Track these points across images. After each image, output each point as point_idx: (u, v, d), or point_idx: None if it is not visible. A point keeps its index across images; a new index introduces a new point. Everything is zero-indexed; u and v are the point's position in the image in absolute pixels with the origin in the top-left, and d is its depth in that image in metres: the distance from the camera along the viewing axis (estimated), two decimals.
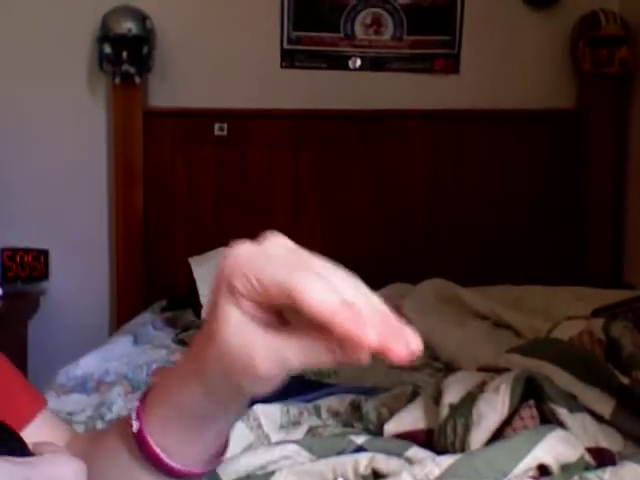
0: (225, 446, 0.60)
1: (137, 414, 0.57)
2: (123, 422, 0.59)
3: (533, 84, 2.81)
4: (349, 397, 1.32)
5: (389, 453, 1.04)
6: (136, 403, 0.58)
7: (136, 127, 2.66)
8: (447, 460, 0.96)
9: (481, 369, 1.29)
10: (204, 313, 2.10)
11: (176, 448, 0.56)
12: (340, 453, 1.05)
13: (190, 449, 0.57)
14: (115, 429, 0.61)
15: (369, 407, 1.24)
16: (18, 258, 2.68)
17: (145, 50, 2.60)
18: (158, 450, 0.56)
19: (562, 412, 1.05)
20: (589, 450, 1.00)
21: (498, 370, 1.23)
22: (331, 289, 0.43)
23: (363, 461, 1.01)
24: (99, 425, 1.44)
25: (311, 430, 1.20)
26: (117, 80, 2.61)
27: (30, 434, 0.63)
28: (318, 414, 1.28)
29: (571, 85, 2.82)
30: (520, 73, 2.81)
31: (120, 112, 2.67)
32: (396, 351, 0.42)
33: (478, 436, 1.05)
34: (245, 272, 0.45)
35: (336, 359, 0.44)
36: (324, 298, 0.42)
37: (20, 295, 2.66)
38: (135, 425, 0.57)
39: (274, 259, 0.45)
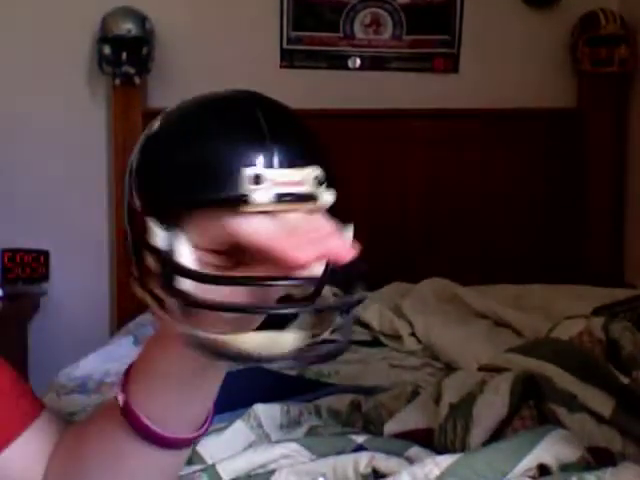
0: (209, 417, 0.62)
1: (122, 387, 0.59)
2: (111, 400, 0.61)
3: (532, 83, 2.81)
4: (349, 397, 1.32)
5: (389, 452, 1.04)
6: (121, 377, 0.60)
7: (136, 128, 2.66)
8: (447, 460, 0.97)
9: (481, 369, 1.29)
10: None
11: (161, 415, 0.58)
12: (340, 452, 1.06)
13: (175, 415, 0.58)
14: (104, 409, 0.63)
15: (369, 407, 1.25)
16: (19, 259, 2.69)
17: (145, 51, 2.60)
18: (144, 418, 0.58)
19: (562, 412, 1.05)
20: (589, 450, 1.00)
21: (498, 370, 1.23)
22: (264, 219, 0.48)
23: (363, 460, 1.01)
24: None
25: (311, 430, 1.20)
26: (117, 81, 2.61)
27: (17, 449, 0.64)
28: (318, 414, 1.28)
29: (570, 84, 2.82)
30: (519, 72, 2.81)
31: (120, 113, 2.67)
32: (333, 254, 0.48)
33: (478, 436, 1.05)
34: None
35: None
36: (257, 226, 0.47)
37: (20, 296, 2.66)
38: (121, 398, 0.59)
39: None
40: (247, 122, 0.51)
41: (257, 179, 0.47)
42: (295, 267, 0.47)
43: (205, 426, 0.62)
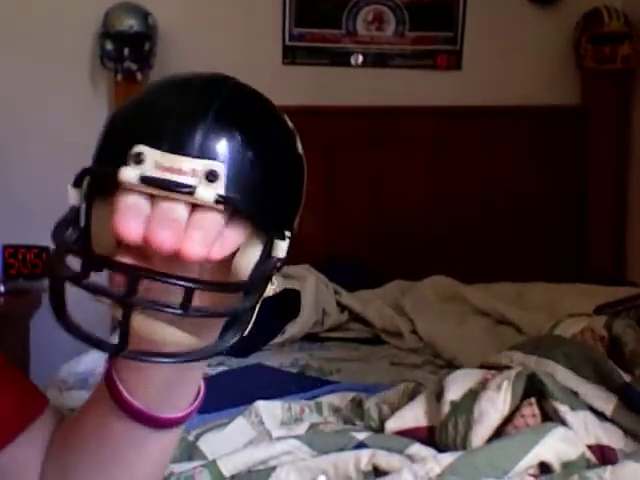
0: (198, 397, 0.61)
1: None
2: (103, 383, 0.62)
3: (536, 81, 2.80)
4: (350, 394, 1.32)
5: (390, 450, 1.04)
6: None
7: None
8: (448, 458, 0.96)
9: (483, 366, 1.29)
10: None
11: (144, 390, 0.58)
12: (341, 449, 1.05)
13: (160, 392, 0.58)
14: (95, 387, 0.63)
15: (370, 404, 1.24)
16: (20, 255, 2.69)
17: (147, 47, 2.59)
18: (121, 387, 0.58)
19: (564, 409, 1.04)
20: (591, 447, 1.00)
21: (499, 367, 1.22)
22: (139, 198, 0.46)
23: (364, 457, 1.01)
24: None
25: (312, 427, 1.20)
26: (119, 77, 2.60)
27: (14, 451, 0.64)
28: (319, 411, 1.28)
29: (574, 82, 2.81)
30: (523, 70, 2.80)
31: None
32: (157, 245, 0.45)
33: (479, 433, 1.05)
34: None
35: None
36: (127, 201, 0.46)
37: (22, 292, 2.66)
38: (106, 365, 0.60)
39: None
40: (179, 103, 0.49)
41: (137, 157, 0.46)
42: (118, 237, 0.46)
43: (193, 405, 0.61)
